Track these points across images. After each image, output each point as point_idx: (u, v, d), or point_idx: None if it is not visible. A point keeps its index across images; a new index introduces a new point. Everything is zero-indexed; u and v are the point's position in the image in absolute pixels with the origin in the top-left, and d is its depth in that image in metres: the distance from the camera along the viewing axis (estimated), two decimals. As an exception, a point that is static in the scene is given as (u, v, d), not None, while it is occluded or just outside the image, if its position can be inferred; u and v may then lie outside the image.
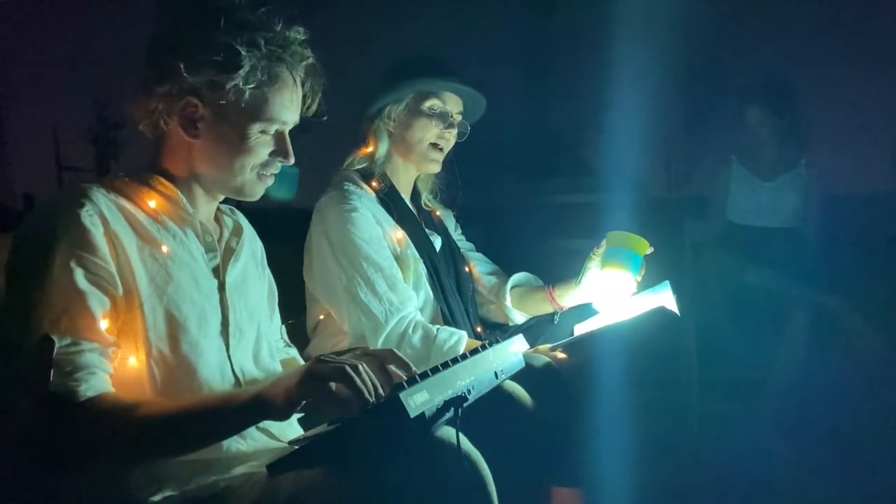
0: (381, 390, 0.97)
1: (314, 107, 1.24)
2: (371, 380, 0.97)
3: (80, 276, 1.02)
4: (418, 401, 0.90)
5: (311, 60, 1.19)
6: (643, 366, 1.56)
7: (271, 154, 1.18)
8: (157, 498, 1.07)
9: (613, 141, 3.17)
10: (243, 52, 1.09)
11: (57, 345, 0.98)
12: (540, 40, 4.21)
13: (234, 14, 1.12)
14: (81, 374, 0.98)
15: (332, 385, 0.95)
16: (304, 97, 1.21)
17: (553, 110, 4.15)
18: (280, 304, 1.45)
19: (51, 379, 0.97)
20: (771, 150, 2.79)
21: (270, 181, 1.22)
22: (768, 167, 2.79)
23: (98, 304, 1.02)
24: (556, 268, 1.91)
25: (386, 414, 0.90)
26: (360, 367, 0.97)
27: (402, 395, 0.88)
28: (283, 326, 1.46)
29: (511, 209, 3.55)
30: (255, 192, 1.22)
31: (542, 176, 3.58)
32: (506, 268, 2.02)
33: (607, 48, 3.12)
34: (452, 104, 1.77)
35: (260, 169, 1.19)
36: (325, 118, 1.24)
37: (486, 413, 1.16)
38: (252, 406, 0.98)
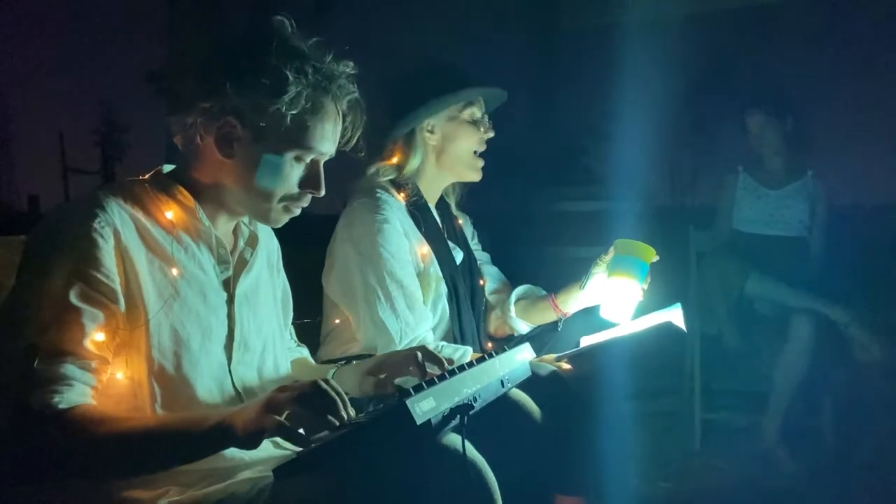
0: (349, 408, 0.95)
1: (353, 142, 1.24)
2: (339, 394, 0.95)
3: (77, 290, 1.01)
4: (425, 408, 0.91)
5: (355, 95, 1.19)
6: (647, 378, 1.55)
7: (302, 185, 1.17)
8: (161, 503, 1.07)
9: (620, 150, 3.18)
10: (291, 78, 1.09)
11: (40, 355, 0.99)
12: (548, 49, 4.23)
13: (286, 41, 1.13)
14: (59, 385, 0.98)
15: (292, 413, 0.94)
16: (345, 131, 1.21)
17: (561, 119, 4.16)
18: (295, 307, 1.45)
19: (28, 388, 0.97)
20: (777, 158, 2.79)
21: (296, 213, 1.21)
22: (775, 176, 2.80)
23: (91, 319, 1.02)
24: (562, 275, 1.90)
25: (392, 421, 0.90)
26: (323, 387, 0.95)
27: (408, 402, 0.88)
28: (292, 327, 1.46)
29: (518, 217, 3.56)
30: (279, 222, 1.21)
31: (550, 184, 3.59)
32: (512, 275, 2.01)
33: (615, 58, 3.13)
34: (482, 107, 1.77)
35: (288, 201, 1.18)
36: (361, 153, 1.24)
37: (491, 421, 1.16)
38: (216, 432, 0.97)
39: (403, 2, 3.90)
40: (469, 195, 1.94)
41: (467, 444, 0.99)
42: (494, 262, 2.04)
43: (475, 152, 1.76)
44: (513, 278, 2.01)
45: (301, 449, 0.95)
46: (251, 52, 1.11)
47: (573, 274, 1.85)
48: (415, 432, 0.89)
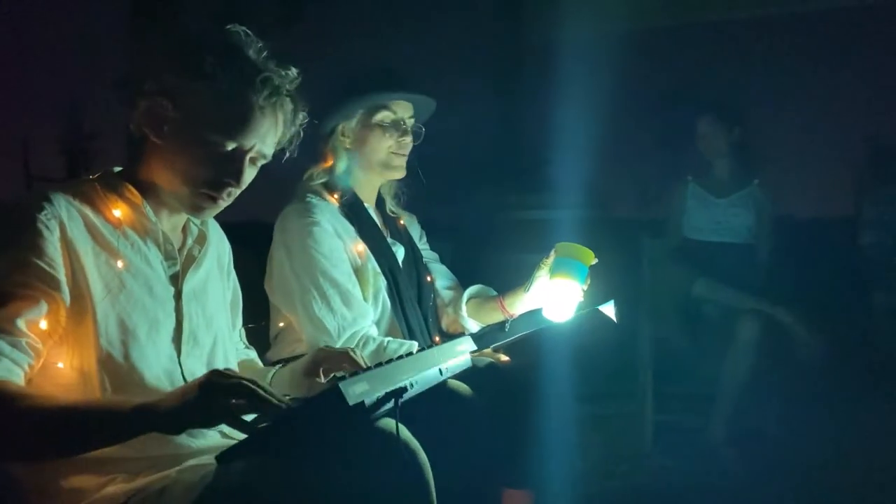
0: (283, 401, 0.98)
1: (289, 145, 1.28)
2: (270, 395, 0.98)
3: (17, 276, 1.04)
4: (358, 390, 0.94)
5: (288, 99, 1.22)
6: (578, 361, 1.61)
7: (222, 174, 1.18)
8: (108, 490, 1.10)
9: (583, 161, 3.25)
10: (211, 60, 1.14)
11: None
12: (513, 61, 4.29)
13: (226, 35, 1.18)
14: None
15: (229, 402, 0.96)
16: (281, 134, 1.24)
17: (525, 130, 4.22)
18: (248, 309, 1.48)
19: None
20: (723, 166, 2.89)
21: (221, 205, 1.22)
22: (722, 185, 2.90)
23: (29, 304, 1.04)
24: (520, 281, 1.96)
25: (326, 402, 0.93)
26: (256, 383, 0.98)
27: (341, 385, 0.92)
28: (243, 329, 1.49)
29: (482, 224, 3.61)
30: (201, 209, 1.22)
31: (513, 193, 3.65)
32: (472, 280, 2.05)
33: (580, 71, 3.20)
34: (403, 110, 1.79)
35: (208, 188, 1.19)
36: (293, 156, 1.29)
37: (437, 415, 1.19)
38: (134, 416, 0.99)
39: (369, 13, 3.94)
40: (434, 202, 1.97)
41: (402, 427, 1.03)
42: (458, 268, 2.08)
43: (393, 153, 1.78)
44: (472, 282, 2.04)
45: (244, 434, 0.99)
46: (189, 39, 1.18)
47: (529, 279, 1.89)
48: (347, 413, 0.92)
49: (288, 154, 1.29)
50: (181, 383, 1.20)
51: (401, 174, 1.83)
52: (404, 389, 1.02)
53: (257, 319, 1.79)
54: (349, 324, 1.65)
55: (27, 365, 1.04)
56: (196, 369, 1.24)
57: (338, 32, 3.78)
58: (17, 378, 1.02)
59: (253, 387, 0.97)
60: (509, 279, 1.94)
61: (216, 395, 0.97)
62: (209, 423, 1.01)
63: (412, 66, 1.98)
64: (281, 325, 1.78)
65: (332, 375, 1.37)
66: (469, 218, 3.59)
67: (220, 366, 1.29)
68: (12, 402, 0.99)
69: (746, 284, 2.68)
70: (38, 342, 1.05)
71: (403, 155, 1.80)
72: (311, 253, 1.66)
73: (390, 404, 1.01)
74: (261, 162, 1.24)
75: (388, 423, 1.03)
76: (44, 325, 1.05)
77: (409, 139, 1.80)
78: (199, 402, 0.96)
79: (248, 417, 1.01)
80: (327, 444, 0.97)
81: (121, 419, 1.00)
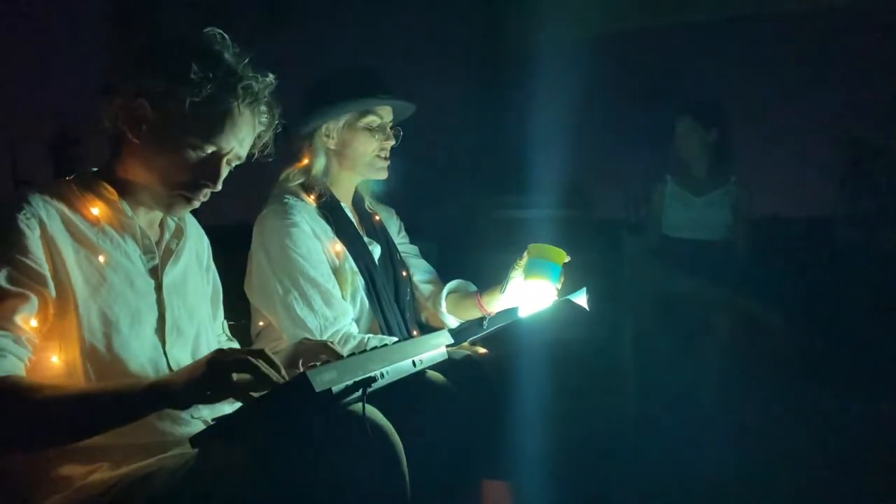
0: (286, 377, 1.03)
1: (267, 150, 1.33)
2: (276, 367, 1.03)
3: (6, 274, 1.08)
4: (325, 378, 0.96)
5: (265, 103, 1.26)
6: (552, 352, 1.65)
7: (199, 175, 1.23)
8: (94, 477, 1.13)
9: (567, 162, 3.28)
10: (195, 67, 1.17)
11: None
12: (494, 61, 4.33)
13: (206, 40, 1.22)
14: None
15: (235, 376, 1.02)
16: (257, 137, 1.28)
17: (510, 131, 4.25)
18: (232, 307, 1.52)
19: None
20: (699, 166, 2.94)
21: (195, 204, 1.27)
22: (700, 184, 2.94)
23: (21, 300, 1.08)
24: (503, 280, 1.98)
25: (293, 389, 0.96)
26: (263, 354, 1.04)
27: (308, 373, 0.94)
28: (225, 321, 1.53)
29: (464, 223, 3.65)
30: (176, 208, 1.27)
31: (498, 193, 3.69)
32: (456, 278, 2.07)
33: (561, 71, 3.23)
34: (387, 115, 1.82)
35: (184, 189, 1.24)
36: (270, 159, 1.33)
37: (414, 408, 1.23)
38: (149, 394, 1.04)
39: (352, 16, 3.97)
40: (419, 203, 1.98)
41: (375, 410, 1.06)
42: (444, 268, 2.10)
43: (377, 156, 1.82)
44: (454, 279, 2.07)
45: (214, 419, 1.02)
46: (171, 43, 1.22)
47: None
48: (314, 400, 0.95)
49: (257, 155, 1.33)
50: (166, 372, 1.23)
51: (384, 175, 1.86)
52: (373, 379, 1.05)
53: (237, 319, 1.82)
54: (331, 323, 1.67)
55: (27, 359, 1.08)
56: (182, 358, 1.28)
57: (321, 36, 3.81)
58: (23, 373, 1.07)
59: (255, 361, 1.02)
60: (494, 278, 1.97)
61: (222, 371, 1.02)
62: (216, 398, 1.05)
63: (395, 68, 2.00)
64: (261, 324, 1.80)
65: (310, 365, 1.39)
66: (454, 218, 3.62)
67: (205, 354, 1.32)
68: (29, 394, 1.03)
69: (724, 281, 2.73)
70: (34, 337, 1.10)
71: (387, 157, 1.84)
72: (289, 254, 1.69)
73: (359, 393, 1.03)
74: (235, 163, 1.28)
75: (359, 409, 1.04)
76: (34, 321, 1.10)
77: (391, 143, 1.83)
78: (207, 378, 1.01)
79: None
80: (296, 430, 1.00)
81: (135, 398, 1.05)
